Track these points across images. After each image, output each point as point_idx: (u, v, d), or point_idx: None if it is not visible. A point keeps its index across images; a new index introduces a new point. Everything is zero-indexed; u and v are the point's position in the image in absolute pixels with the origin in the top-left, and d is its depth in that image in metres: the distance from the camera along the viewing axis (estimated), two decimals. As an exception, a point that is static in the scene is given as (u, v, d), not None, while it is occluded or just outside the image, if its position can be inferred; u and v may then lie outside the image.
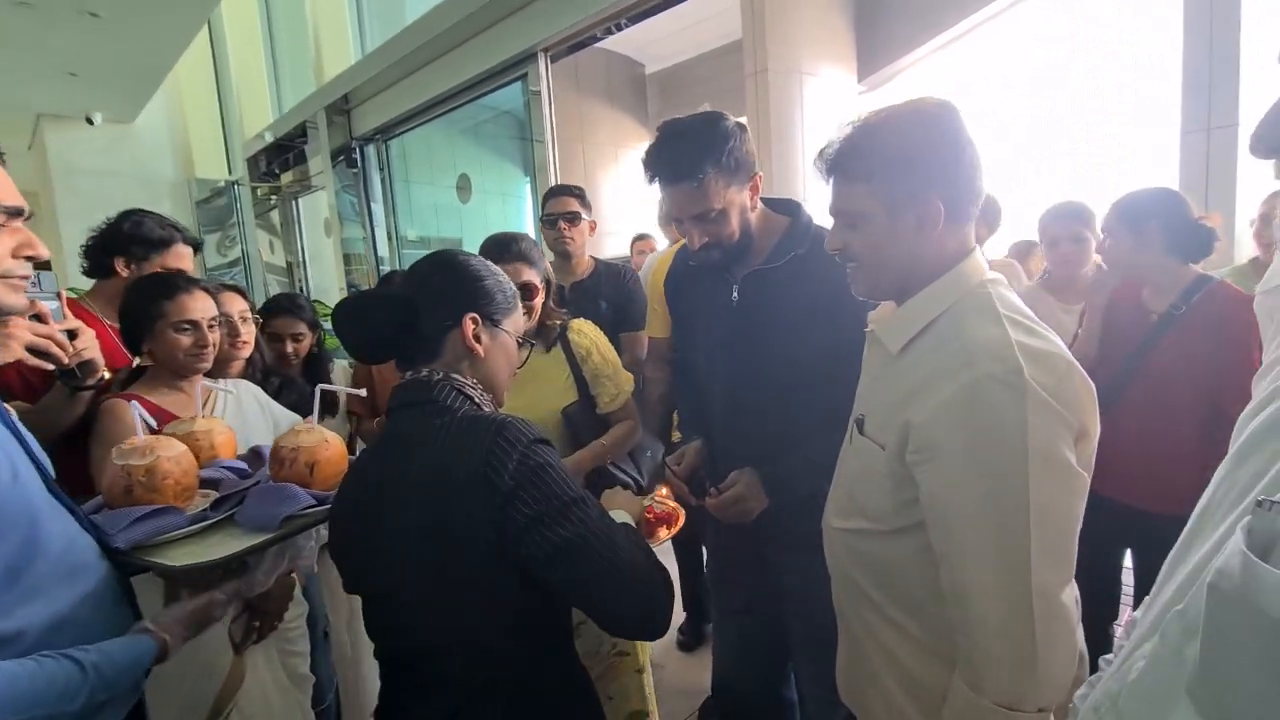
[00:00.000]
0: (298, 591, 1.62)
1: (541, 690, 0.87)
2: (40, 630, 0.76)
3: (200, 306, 1.47)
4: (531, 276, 1.48)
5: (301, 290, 5.81)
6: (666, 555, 3.07)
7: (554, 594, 0.82)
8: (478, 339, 0.93)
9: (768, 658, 1.47)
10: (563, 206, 2.13)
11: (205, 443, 1.18)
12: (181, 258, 1.81)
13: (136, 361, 1.55)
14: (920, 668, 0.89)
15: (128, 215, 1.80)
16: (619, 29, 2.58)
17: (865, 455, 0.91)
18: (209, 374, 1.58)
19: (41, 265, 1.10)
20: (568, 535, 0.78)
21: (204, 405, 1.53)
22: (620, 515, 0.99)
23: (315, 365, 2.14)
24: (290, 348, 2.04)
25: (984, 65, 5.76)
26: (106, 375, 1.24)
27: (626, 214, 6.44)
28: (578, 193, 2.17)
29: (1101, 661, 0.65)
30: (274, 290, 6.02)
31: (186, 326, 1.44)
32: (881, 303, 1.02)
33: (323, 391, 1.23)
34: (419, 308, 0.92)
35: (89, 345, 1.15)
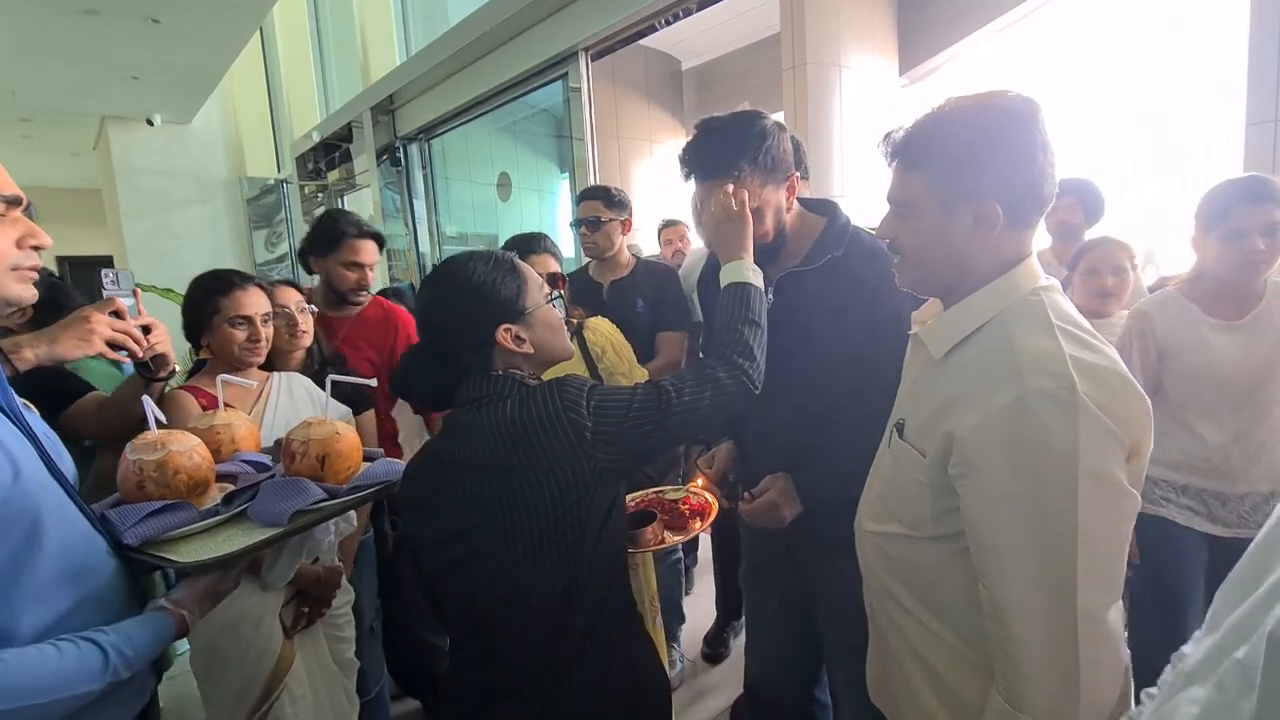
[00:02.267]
0: (344, 579, 1.69)
1: (603, 648, 0.94)
2: (39, 635, 0.75)
3: (254, 302, 1.55)
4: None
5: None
6: (705, 557, 3.07)
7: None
8: (519, 340, 0.95)
9: (801, 659, 1.48)
10: (586, 211, 2.13)
11: (226, 436, 1.18)
12: (358, 251, 1.95)
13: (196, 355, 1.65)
14: (952, 673, 0.88)
15: (320, 216, 2.03)
16: (667, 24, 2.58)
17: (904, 460, 0.89)
18: (266, 366, 1.67)
19: (100, 263, 1.17)
20: (657, 421, 0.90)
21: (259, 397, 1.61)
22: (733, 268, 1.08)
23: None
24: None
25: (1033, 57, 5.57)
26: (177, 368, 1.31)
27: (662, 209, 6.46)
28: (602, 195, 2.15)
29: (1144, 695, 0.64)
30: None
31: (241, 321, 1.52)
32: (925, 303, 1.00)
33: (335, 383, 1.25)
34: (455, 348, 0.96)
35: (161, 340, 1.20)
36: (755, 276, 1.07)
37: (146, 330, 1.17)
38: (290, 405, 1.62)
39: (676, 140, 7.28)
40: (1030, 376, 0.74)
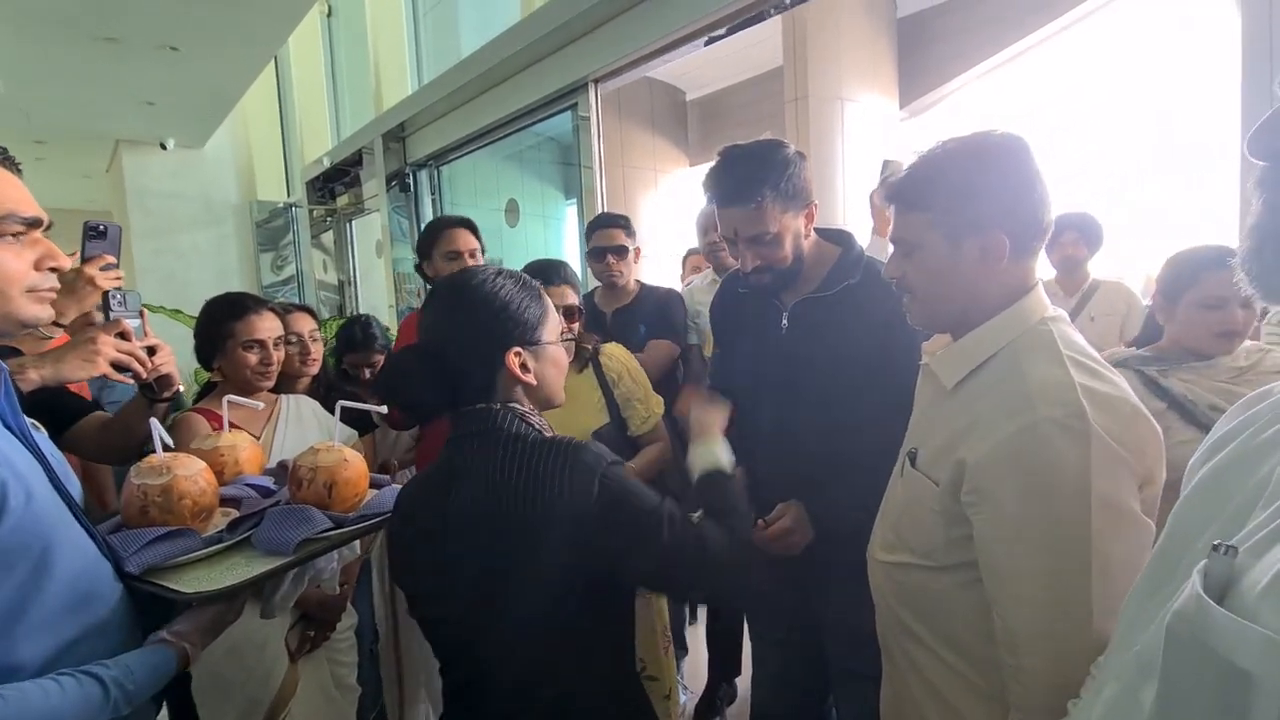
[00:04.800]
0: (348, 603, 1.68)
1: (601, 710, 0.89)
2: (41, 665, 0.74)
3: (267, 326, 1.56)
4: (574, 300, 1.55)
5: (352, 307, 6.03)
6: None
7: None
8: (525, 368, 0.90)
9: (808, 687, 1.46)
10: (610, 240, 2.12)
11: (229, 458, 1.17)
12: (453, 240, 2.01)
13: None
14: (965, 703, 0.88)
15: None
16: (673, 51, 2.65)
17: (916, 489, 0.90)
18: (276, 389, 1.68)
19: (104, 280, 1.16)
20: (657, 557, 0.83)
21: (268, 418, 1.62)
22: (706, 451, 1.00)
23: None
24: (368, 374, 2.20)
25: (1030, 92, 5.68)
26: (182, 388, 1.31)
27: (665, 237, 6.53)
28: (623, 223, 2.15)
29: (1070, 704, 0.65)
30: (326, 307, 6.27)
31: (254, 345, 1.54)
32: (935, 334, 1.02)
33: (344, 408, 1.25)
34: (457, 362, 0.89)
35: (166, 361, 1.20)
36: (729, 462, 1.01)
37: (152, 351, 1.17)
38: (299, 427, 1.63)
39: (681, 170, 7.39)
40: (1041, 405, 0.75)
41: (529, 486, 0.81)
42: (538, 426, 0.92)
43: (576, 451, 0.83)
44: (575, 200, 3.57)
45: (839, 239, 1.32)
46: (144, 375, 1.15)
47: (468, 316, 0.90)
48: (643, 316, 2.08)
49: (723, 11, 2.34)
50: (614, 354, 1.65)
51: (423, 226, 4.66)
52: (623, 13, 2.66)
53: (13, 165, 0.84)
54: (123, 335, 1.13)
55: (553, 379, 0.95)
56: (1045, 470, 0.73)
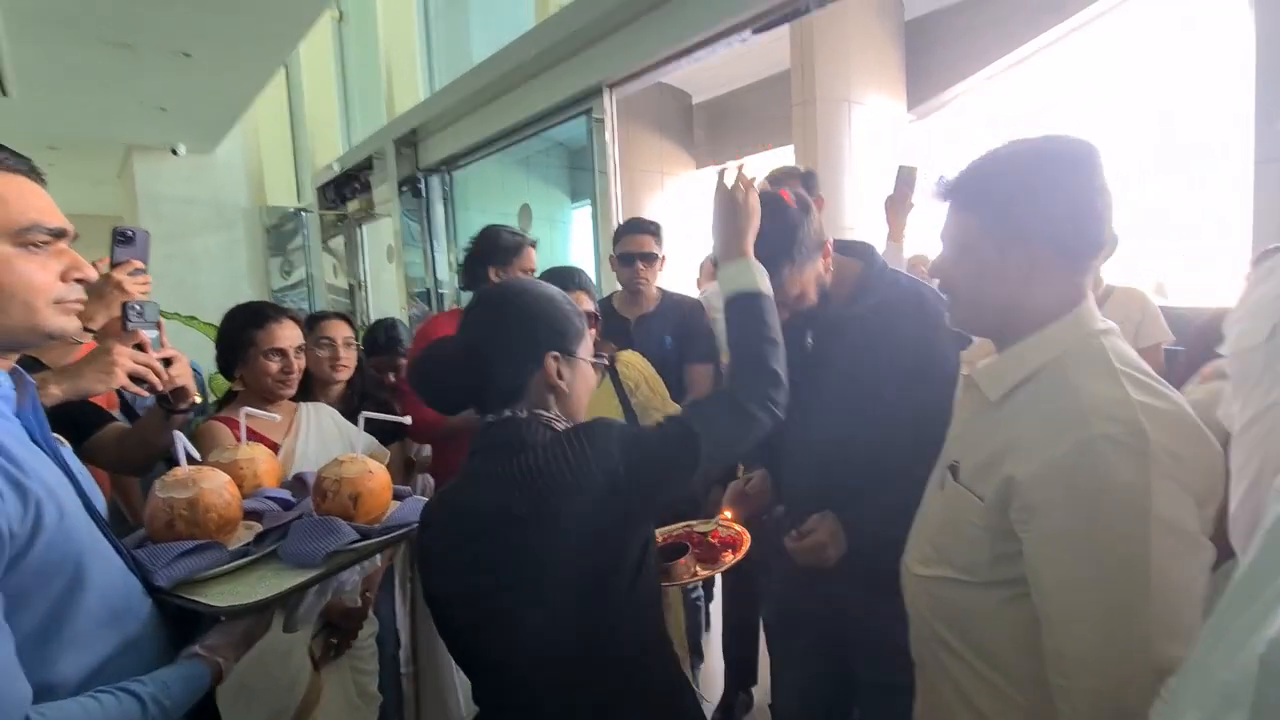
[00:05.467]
0: (370, 610, 1.68)
1: (642, 691, 0.92)
2: (78, 682, 0.74)
3: (288, 335, 1.57)
4: (591, 307, 1.54)
5: (362, 311, 6.05)
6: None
7: None
8: (560, 375, 0.92)
9: (833, 699, 1.45)
10: (640, 246, 2.09)
11: (249, 471, 1.18)
12: (530, 258, 2.05)
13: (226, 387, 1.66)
14: (1003, 719, 0.86)
15: (485, 232, 2.11)
16: (690, 55, 2.65)
17: (959, 504, 0.88)
18: (307, 395, 1.68)
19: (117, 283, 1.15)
20: (688, 464, 0.88)
21: (288, 428, 1.62)
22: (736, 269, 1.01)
23: None
24: (392, 379, 2.23)
25: (1039, 95, 5.67)
26: (198, 400, 1.31)
27: (672, 240, 6.52)
28: (654, 230, 2.12)
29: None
30: (338, 312, 6.27)
31: (275, 354, 1.55)
32: (974, 342, 1.01)
33: (368, 419, 1.27)
34: (495, 356, 0.91)
35: (182, 373, 1.20)
36: (763, 280, 1.00)
37: (168, 363, 1.17)
38: (319, 437, 1.64)
39: (687, 173, 7.39)
40: (1096, 422, 0.73)
41: (554, 464, 0.85)
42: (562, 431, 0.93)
43: (587, 428, 0.89)
44: (582, 203, 3.57)
45: (860, 253, 1.30)
46: (160, 387, 1.15)
47: (515, 315, 0.93)
48: (667, 327, 2.06)
49: (740, 17, 2.34)
50: (631, 362, 1.64)
51: (433, 234, 4.72)
52: (639, 17, 2.66)
53: (37, 175, 0.84)
54: (140, 347, 1.13)
55: (581, 394, 0.98)
56: (1102, 489, 0.71)
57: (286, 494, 1.20)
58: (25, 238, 0.77)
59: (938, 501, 0.96)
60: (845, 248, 1.31)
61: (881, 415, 1.17)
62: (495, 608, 0.89)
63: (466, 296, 5.02)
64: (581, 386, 0.97)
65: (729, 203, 1.04)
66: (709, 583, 2.86)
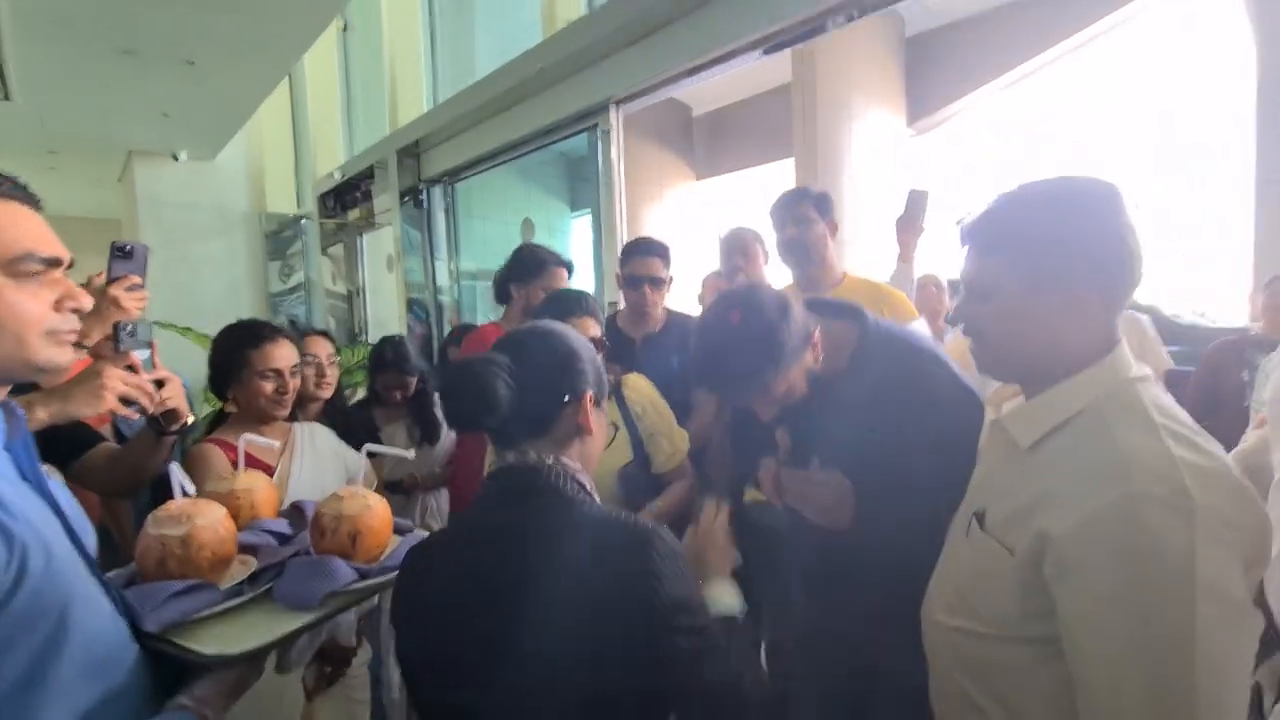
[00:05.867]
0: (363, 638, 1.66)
1: None
2: None
3: (284, 354, 1.54)
4: (597, 332, 1.49)
5: (360, 318, 6.03)
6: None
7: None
8: (588, 415, 0.89)
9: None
10: (649, 270, 2.03)
11: (245, 502, 1.14)
12: (555, 278, 2.08)
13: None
14: None
15: (519, 249, 2.17)
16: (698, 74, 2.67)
17: (987, 554, 0.84)
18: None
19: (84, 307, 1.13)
20: (712, 679, 0.77)
21: (283, 450, 1.59)
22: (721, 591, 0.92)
23: (421, 401, 2.29)
24: (398, 397, 2.23)
25: (1038, 112, 5.72)
26: (190, 420, 1.27)
27: (673, 253, 6.53)
28: (662, 252, 2.07)
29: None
30: (334, 319, 6.27)
31: (270, 374, 1.51)
32: (997, 385, 0.98)
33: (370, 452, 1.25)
34: (535, 377, 0.86)
35: (174, 394, 1.16)
36: (738, 607, 0.91)
37: (160, 384, 1.14)
38: (314, 459, 1.61)
39: (687, 184, 7.42)
40: (1138, 478, 0.70)
41: (594, 564, 0.76)
42: (589, 490, 0.88)
43: (651, 538, 0.78)
44: (582, 212, 3.56)
45: (851, 315, 1.20)
46: (150, 409, 1.12)
47: (566, 349, 0.89)
48: (674, 347, 2.00)
49: (749, 38, 2.35)
50: (637, 386, 1.59)
51: (434, 244, 4.72)
52: (648, 35, 2.67)
53: (34, 201, 0.80)
54: (130, 368, 1.10)
55: (599, 445, 0.94)
56: (1145, 551, 0.68)
57: (284, 525, 1.17)
58: (18, 268, 0.74)
59: (964, 549, 0.91)
60: (834, 309, 1.23)
61: (889, 474, 1.09)
62: (493, 687, 0.78)
63: (482, 309, 5.02)
64: (600, 438, 0.93)
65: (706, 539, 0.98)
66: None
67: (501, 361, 0.84)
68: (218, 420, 1.65)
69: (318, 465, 1.60)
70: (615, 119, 2.94)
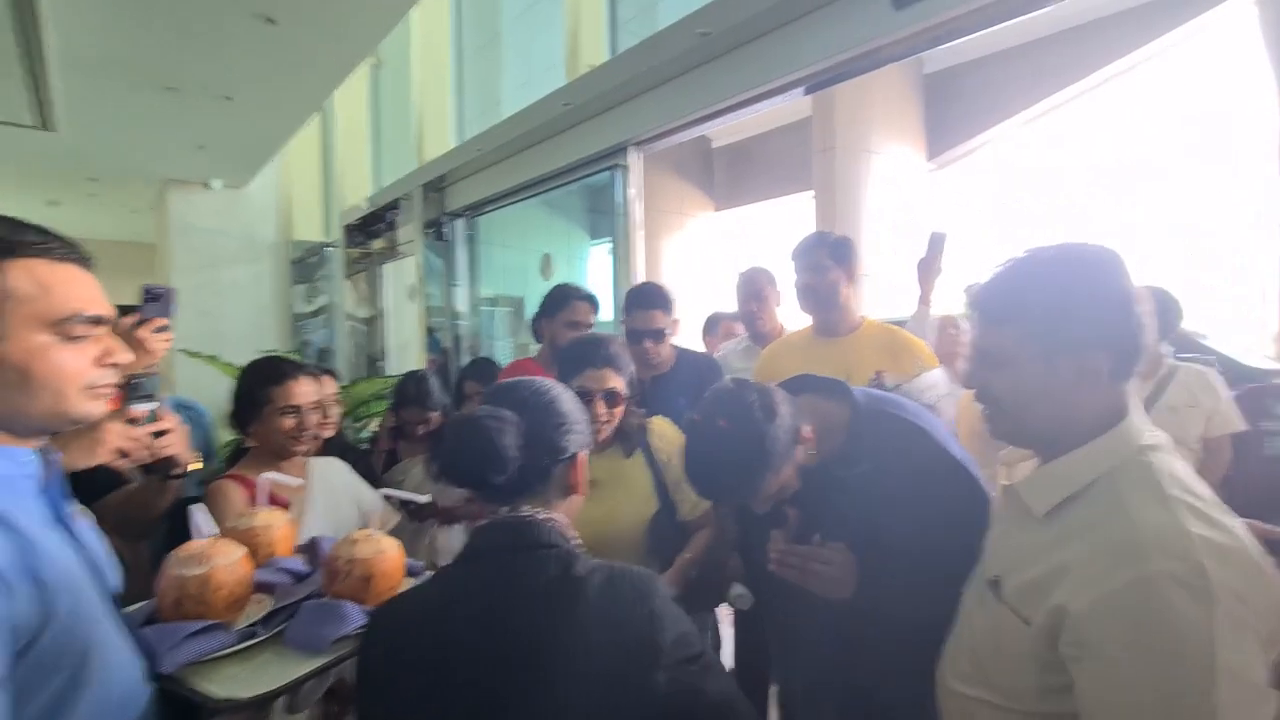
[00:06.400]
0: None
1: None
2: None
3: (304, 391, 1.58)
4: (618, 383, 1.43)
5: (381, 343, 6.12)
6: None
7: None
8: (577, 474, 0.91)
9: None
10: (649, 323, 2.00)
11: (264, 539, 1.16)
12: (577, 311, 2.18)
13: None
14: None
15: (550, 290, 2.28)
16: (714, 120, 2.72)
17: (1002, 624, 0.84)
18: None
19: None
20: (715, 692, 0.78)
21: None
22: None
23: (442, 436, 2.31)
24: (421, 431, 2.26)
25: (1057, 148, 5.71)
26: (196, 466, 1.29)
27: (691, 283, 6.58)
28: (663, 304, 2.03)
29: None
30: (354, 343, 6.37)
31: (291, 411, 1.54)
32: (1008, 448, 0.98)
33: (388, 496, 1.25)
34: (538, 439, 0.86)
35: (170, 444, 1.19)
36: None
37: (162, 433, 1.17)
38: (329, 494, 1.62)
39: (706, 215, 7.48)
40: (1155, 557, 0.70)
41: (598, 617, 0.76)
42: (581, 545, 0.88)
43: (650, 585, 0.80)
44: (602, 240, 3.60)
45: (839, 394, 1.18)
46: (146, 459, 1.16)
47: (566, 408, 0.91)
48: (683, 389, 1.99)
49: (763, 86, 2.39)
50: (663, 432, 1.55)
51: (456, 274, 4.82)
52: (666, 81, 2.73)
53: (85, 262, 0.83)
54: (132, 421, 1.14)
55: (582, 499, 0.95)
56: (1164, 633, 0.68)
57: (300, 563, 1.19)
58: (64, 329, 0.78)
59: (979, 616, 0.90)
60: (819, 387, 1.21)
61: (897, 549, 1.08)
62: None
63: (500, 334, 5.06)
64: (583, 496, 0.95)
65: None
66: (715, 648, 2.78)
67: (511, 419, 0.84)
68: (237, 454, 1.69)
69: (333, 500, 1.62)
70: (634, 160, 2.99)
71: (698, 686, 0.77)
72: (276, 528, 1.20)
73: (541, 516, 0.85)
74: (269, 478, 1.32)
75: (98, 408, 0.83)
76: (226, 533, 1.16)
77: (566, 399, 0.93)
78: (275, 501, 1.48)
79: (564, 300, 2.18)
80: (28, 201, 6.77)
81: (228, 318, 6.14)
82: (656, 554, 1.47)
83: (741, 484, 1.05)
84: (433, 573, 1.12)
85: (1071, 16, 4.92)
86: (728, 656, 2.61)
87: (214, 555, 0.98)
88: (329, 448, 1.92)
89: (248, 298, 6.41)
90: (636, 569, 0.83)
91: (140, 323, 1.29)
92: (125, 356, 0.86)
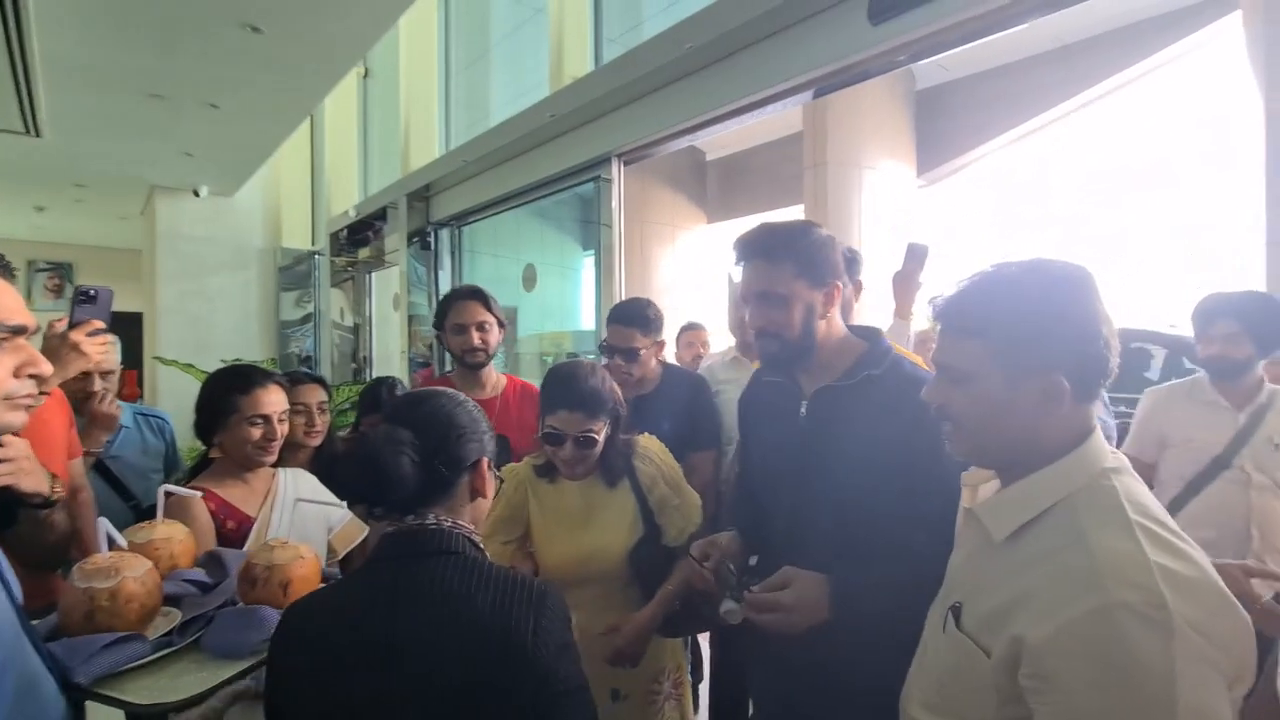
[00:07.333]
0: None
1: None
2: None
3: (272, 400, 1.52)
4: (593, 427, 1.37)
5: (364, 351, 6.09)
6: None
7: None
8: (485, 480, 0.94)
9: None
10: (623, 340, 1.96)
11: (165, 552, 1.15)
12: (460, 313, 1.98)
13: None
14: None
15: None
16: (698, 132, 2.71)
17: (964, 654, 0.81)
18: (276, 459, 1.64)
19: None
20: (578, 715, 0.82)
21: (266, 497, 1.57)
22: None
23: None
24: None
25: (1047, 165, 5.74)
26: (53, 495, 1.10)
27: (682, 295, 6.57)
28: (640, 321, 1.98)
29: None
30: (339, 351, 6.34)
31: (259, 420, 1.49)
32: (972, 468, 0.95)
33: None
34: (437, 453, 0.87)
35: (11, 472, 1.01)
36: None
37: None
38: (289, 508, 1.56)
39: (699, 227, 7.49)
40: (1114, 587, 0.67)
41: (490, 618, 0.80)
42: (482, 549, 0.91)
43: (543, 597, 0.83)
44: (593, 252, 3.60)
45: (867, 334, 1.28)
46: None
47: (466, 418, 0.93)
48: (668, 408, 1.95)
49: (749, 99, 2.39)
50: (648, 455, 1.50)
51: (440, 283, 4.80)
52: (650, 93, 2.73)
53: (6, 271, 0.83)
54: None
55: (489, 505, 0.99)
56: (1124, 666, 0.65)
57: (201, 574, 1.17)
58: None
59: (941, 643, 0.87)
60: (856, 330, 1.30)
61: (874, 495, 1.11)
62: None
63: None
64: (491, 498, 0.98)
65: None
66: (695, 663, 2.74)
67: (405, 438, 0.86)
68: (201, 465, 1.64)
69: (299, 513, 1.57)
70: (617, 171, 2.98)
71: (565, 703, 0.80)
72: (177, 540, 1.20)
73: (447, 524, 0.87)
74: (167, 489, 1.30)
75: (17, 418, 0.82)
76: (132, 547, 1.13)
77: (465, 409, 0.94)
78: (236, 516, 1.46)
79: (447, 306, 2.00)
80: (15, 207, 6.75)
81: (215, 324, 6.11)
82: (644, 586, 1.44)
83: (778, 241, 1.18)
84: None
85: (1062, 35, 4.96)
86: (708, 675, 2.57)
87: (122, 568, 0.98)
88: (319, 455, 1.88)
89: (235, 304, 6.38)
90: (539, 583, 0.85)
91: (73, 325, 1.23)
92: (46, 368, 0.84)
